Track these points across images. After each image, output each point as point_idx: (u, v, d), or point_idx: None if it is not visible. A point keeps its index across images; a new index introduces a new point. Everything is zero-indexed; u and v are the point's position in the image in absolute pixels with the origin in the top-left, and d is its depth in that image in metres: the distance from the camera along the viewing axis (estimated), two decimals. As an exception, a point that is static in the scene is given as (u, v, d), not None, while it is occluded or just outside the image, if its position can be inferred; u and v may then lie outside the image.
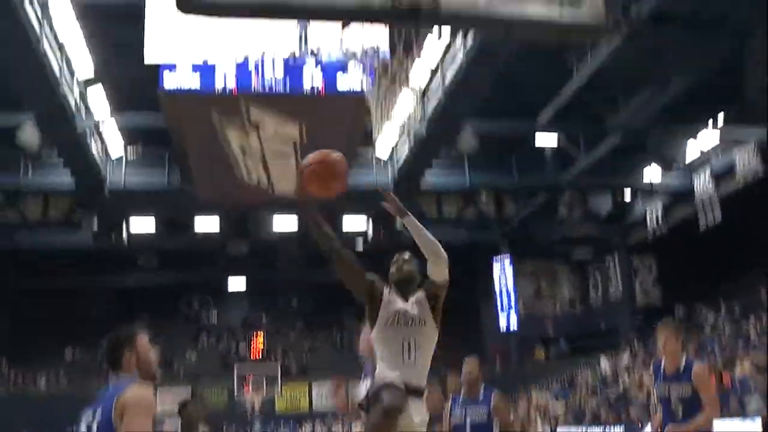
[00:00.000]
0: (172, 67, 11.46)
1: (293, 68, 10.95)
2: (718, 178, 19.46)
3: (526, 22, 3.11)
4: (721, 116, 19.31)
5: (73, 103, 15.34)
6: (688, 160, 20.22)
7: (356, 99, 10.36)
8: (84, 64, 14.66)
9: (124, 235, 21.79)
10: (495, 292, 24.76)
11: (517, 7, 3.08)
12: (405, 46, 6.75)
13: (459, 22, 3.08)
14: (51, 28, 13.62)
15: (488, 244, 24.40)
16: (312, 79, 11.04)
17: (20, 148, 16.83)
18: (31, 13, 12.66)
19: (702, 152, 19.97)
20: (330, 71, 10.52)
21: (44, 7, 13.17)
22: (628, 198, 24.00)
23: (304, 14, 2.92)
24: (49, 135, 16.16)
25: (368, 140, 12.26)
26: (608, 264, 25.15)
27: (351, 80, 9.30)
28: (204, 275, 26.91)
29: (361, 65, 9.66)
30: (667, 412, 4.74)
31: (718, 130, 19.27)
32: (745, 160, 18.30)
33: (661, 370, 4.82)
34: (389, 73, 6.95)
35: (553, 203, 22.54)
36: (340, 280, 3.81)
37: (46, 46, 13.28)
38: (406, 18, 2.93)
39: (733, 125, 18.74)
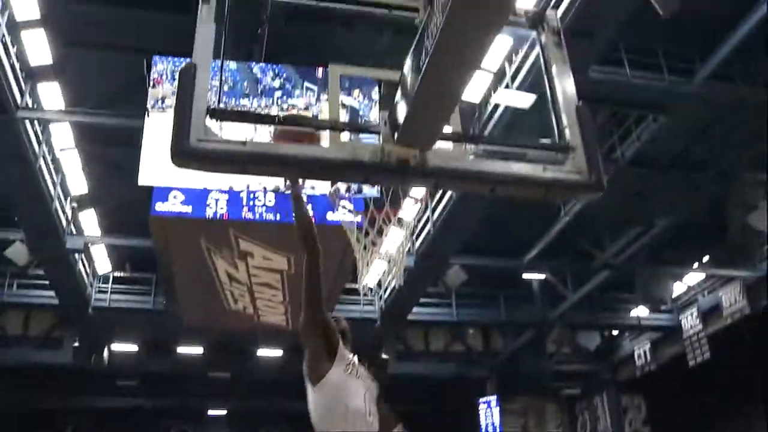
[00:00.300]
0: (164, 191, 11.51)
1: (285, 199, 11.11)
2: (705, 315, 19.60)
3: (511, 179, 3.18)
4: (706, 257, 19.68)
5: (64, 222, 15.41)
6: (675, 298, 20.42)
7: (345, 230, 10.41)
8: (78, 185, 14.84)
9: (105, 355, 21.37)
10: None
11: (502, 166, 3.16)
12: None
13: (445, 179, 3.15)
14: (50, 148, 13.87)
15: (476, 378, 24.06)
16: (302, 209, 11.19)
17: (6, 263, 16.81)
18: (32, 132, 12.89)
19: (689, 288, 20.22)
20: (319, 205, 10.65)
21: (45, 126, 13.43)
22: (616, 334, 24.03)
23: (300, 169, 2.99)
24: (37, 252, 16.13)
25: (356, 274, 12.30)
26: (596, 402, 24.72)
27: (340, 215, 9.43)
28: (184, 400, 26.17)
29: (348, 202, 9.80)
30: None
31: (704, 270, 19.59)
32: (732, 298, 18.51)
33: None
34: (379, 217, 7.06)
35: (541, 339, 22.42)
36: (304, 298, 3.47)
37: (41, 163, 13.45)
38: (394, 174, 3.00)
39: (718, 265, 19.05)
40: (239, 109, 10.72)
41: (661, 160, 14.01)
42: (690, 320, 19.85)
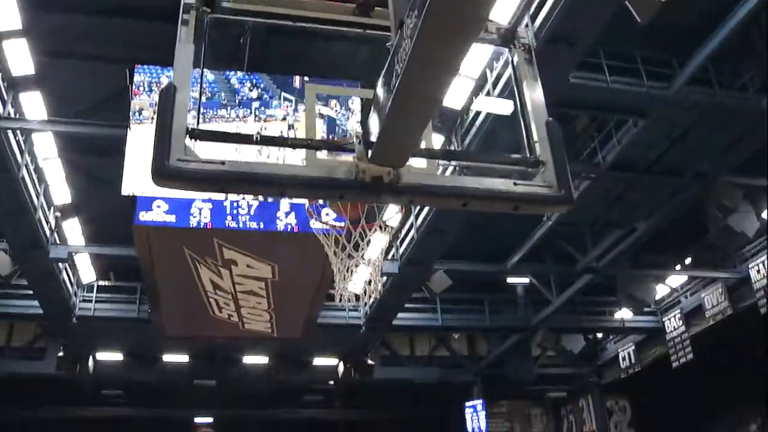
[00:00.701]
0: (148, 200, 11.51)
1: (268, 208, 11.15)
2: (688, 316, 19.79)
3: (482, 194, 3.25)
4: (688, 259, 19.87)
5: (47, 232, 15.36)
6: (657, 300, 20.60)
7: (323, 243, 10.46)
8: (61, 194, 14.81)
9: (90, 364, 21.28)
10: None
11: (473, 182, 3.24)
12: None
13: (419, 196, 3.23)
14: (32, 157, 13.82)
15: (461, 383, 24.15)
16: (285, 216, 11.25)
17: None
18: (14, 142, 12.85)
19: (671, 290, 20.40)
20: (303, 212, 10.69)
21: (27, 135, 13.38)
22: (600, 337, 24.22)
23: (278, 188, 3.05)
24: (20, 262, 16.06)
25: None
26: (582, 404, 24.86)
27: (318, 225, 9.46)
28: (170, 409, 26.12)
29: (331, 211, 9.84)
30: None
31: (686, 272, 19.79)
32: (714, 300, 18.72)
33: None
34: (355, 231, 7.11)
35: (526, 342, 22.54)
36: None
37: (24, 173, 13.41)
38: (369, 191, 3.07)
39: (700, 266, 19.26)
40: (217, 118, 10.73)
41: (641, 163, 14.15)
42: (673, 322, 20.06)
